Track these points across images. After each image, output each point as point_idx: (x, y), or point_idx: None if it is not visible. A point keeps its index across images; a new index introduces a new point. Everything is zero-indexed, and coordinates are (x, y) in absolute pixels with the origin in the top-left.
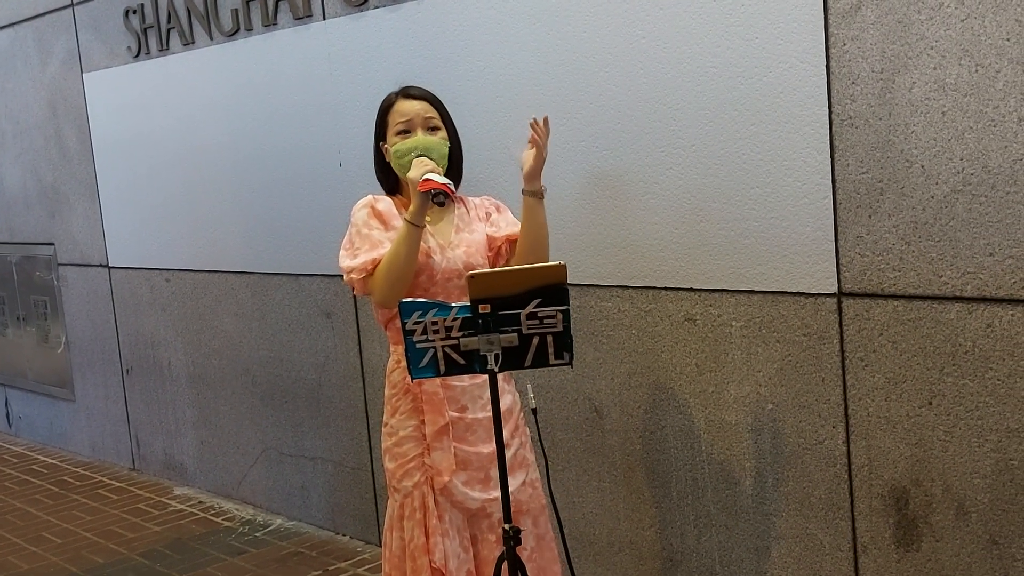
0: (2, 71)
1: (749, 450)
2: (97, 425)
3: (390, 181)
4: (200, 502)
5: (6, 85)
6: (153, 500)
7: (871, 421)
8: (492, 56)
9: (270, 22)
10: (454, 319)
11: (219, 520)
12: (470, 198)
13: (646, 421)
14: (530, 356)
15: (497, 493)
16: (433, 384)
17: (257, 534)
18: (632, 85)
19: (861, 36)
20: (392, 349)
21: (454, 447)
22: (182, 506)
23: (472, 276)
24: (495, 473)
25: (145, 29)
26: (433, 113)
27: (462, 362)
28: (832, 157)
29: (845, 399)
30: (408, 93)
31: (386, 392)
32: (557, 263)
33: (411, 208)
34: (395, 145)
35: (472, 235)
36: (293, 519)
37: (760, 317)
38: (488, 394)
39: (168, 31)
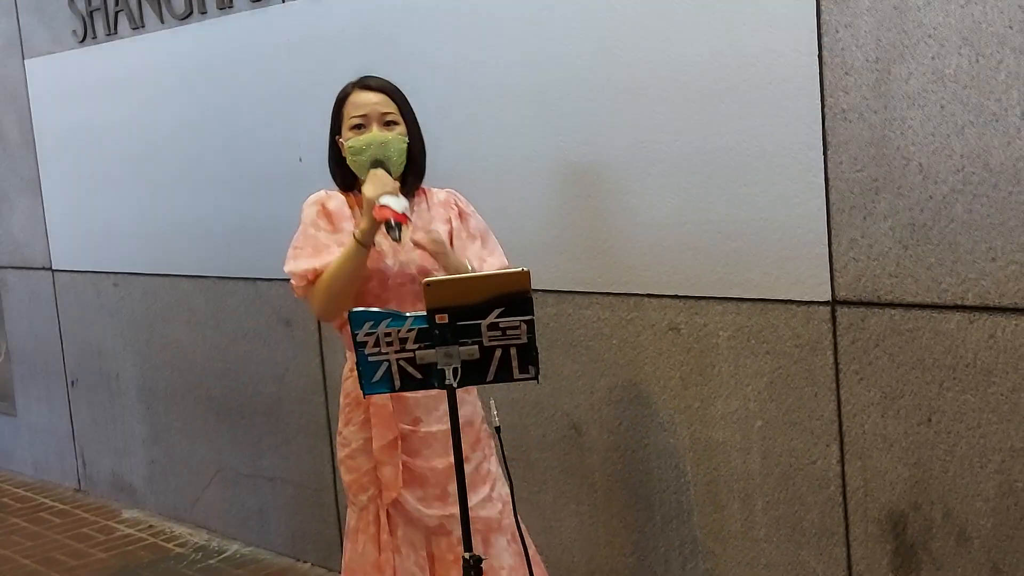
0: None
1: (737, 470)
2: (40, 442)
3: (345, 177)
4: (150, 526)
5: None
6: (99, 524)
7: (867, 439)
8: (460, 41)
9: (225, 5)
10: (409, 330)
11: (170, 546)
12: (433, 191)
13: (628, 439)
14: (492, 370)
15: (455, 509)
16: (383, 396)
17: (211, 561)
18: (610, 75)
19: (855, 23)
20: (347, 355)
21: (407, 462)
22: (130, 530)
23: (428, 284)
24: (454, 488)
25: (91, 12)
26: (391, 107)
27: (418, 376)
28: (825, 154)
29: (839, 415)
30: (365, 84)
31: (340, 400)
32: (520, 269)
33: (361, 226)
34: (350, 141)
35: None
36: (250, 545)
37: (749, 326)
38: (444, 406)
39: (116, 14)
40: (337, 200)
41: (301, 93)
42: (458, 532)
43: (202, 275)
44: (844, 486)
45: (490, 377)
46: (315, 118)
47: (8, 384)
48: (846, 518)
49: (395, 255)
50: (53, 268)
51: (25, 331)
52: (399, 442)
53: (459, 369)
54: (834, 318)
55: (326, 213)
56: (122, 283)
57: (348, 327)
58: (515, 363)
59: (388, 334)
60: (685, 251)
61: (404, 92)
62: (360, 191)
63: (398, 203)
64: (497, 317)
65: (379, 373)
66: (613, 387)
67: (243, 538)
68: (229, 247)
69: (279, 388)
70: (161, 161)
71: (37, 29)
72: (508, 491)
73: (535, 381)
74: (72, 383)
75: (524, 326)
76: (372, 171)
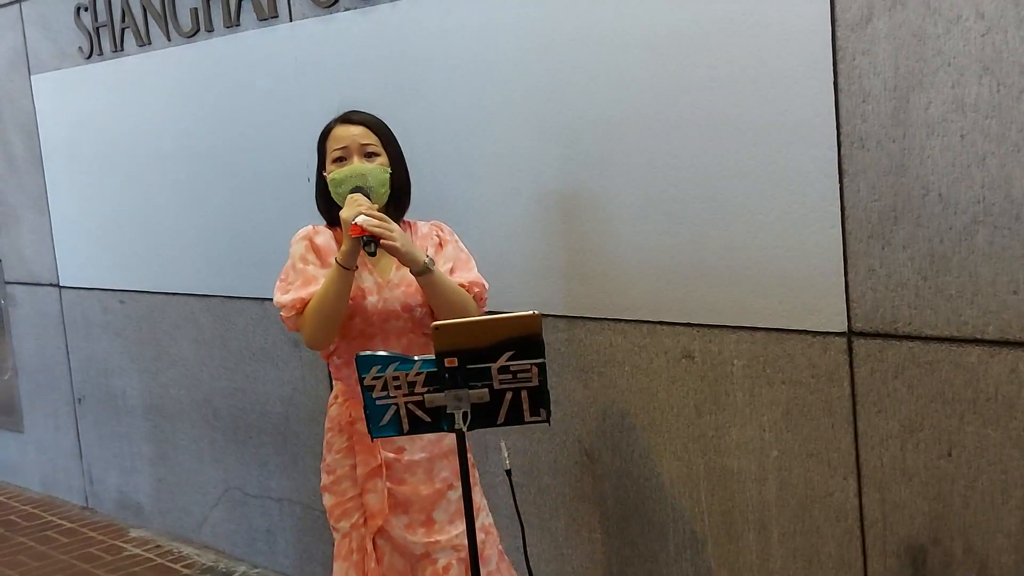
0: None
1: (753, 500)
2: (47, 459)
3: (331, 211)
4: (157, 546)
5: None
6: (106, 543)
7: (885, 472)
8: (469, 64)
9: (232, 23)
10: (417, 373)
11: (177, 567)
12: (419, 224)
13: (641, 466)
14: (503, 413)
15: (441, 536)
16: (364, 423)
17: None
18: (624, 99)
19: (872, 50)
20: (333, 383)
21: (391, 489)
22: (138, 550)
23: (437, 327)
24: (438, 515)
25: (98, 28)
26: (371, 139)
27: (427, 420)
28: (841, 182)
29: (856, 447)
30: (347, 118)
31: (325, 426)
32: (531, 312)
33: (342, 249)
34: (331, 173)
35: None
36: (258, 566)
37: (764, 356)
38: (429, 436)
39: (123, 31)
40: (325, 235)
41: (308, 112)
42: (443, 560)
43: (209, 294)
44: (862, 518)
45: (500, 420)
46: None
47: (15, 400)
48: (864, 551)
49: (379, 292)
50: (60, 285)
51: (32, 348)
52: (383, 469)
53: (468, 412)
54: (851, 349)
55: (314, 248)
56: (129, 301)
57: (333, 358)
58: (526, 406)
59: (396, 378)
60: (699, 278)
61: (408, 113)
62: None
63: (373, 222)
64: (507, 360)
65: (387, 416)
66: (626, 414)
67: (251, 559)
68: (236, 266)
69: (287, 408)
70: (168, 178)
71: (43, 45)
72: (491, 520)
73: (546, 424)
74: (79, 400)
75: (535, 369)
76: (350, 195)
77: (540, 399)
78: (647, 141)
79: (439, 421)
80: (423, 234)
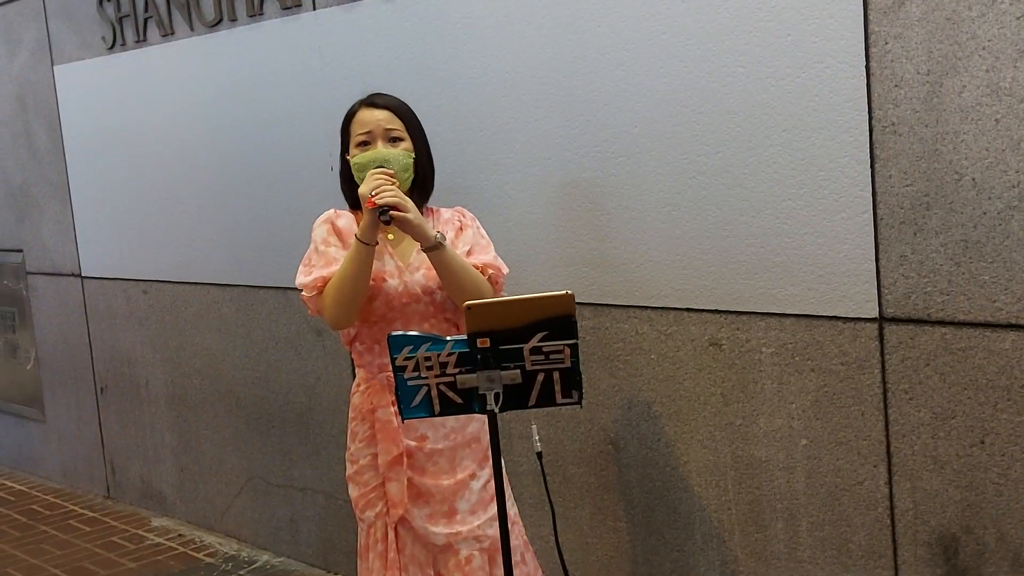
0: None
1: (781, 490)
2: (69, 449)
3: (354, 195)
4: (180, 535)
5: None
6: (129, 532)
7: (916, 460)
8: (496, 51)
9: (256, 12)
10: (449, 354)
11: (200, 555)
12: (442, 210)
13: (667, 455)
14: (534, 395)
15: (463, 527)
16: (387, 411)
17: (241, 571)
18: (650, 85)
19: (905, 34)
20: (356, 371)
21: (413, 479)
22: (160, 539)
23: (469, 307)
24: (460, 506)
25: (121, 18)
26: (396, 124)
27: (459, 401)
28: (872, 168)
29: (887, 436)
30: (372, 102)
31: (348, 415)
32: (564, 292)
33: (361, 224)
34: (355, 157)
35: None
36: (281, 555)
37: (793, 343)
38: (451, 423)
39: (146, 20)
40: (346, 218)
41: (332, 101)
42: (465, 551)
43: (232, 283)
44: (892, 508)
45: (532, 402)
46: None
47: (37, 390)
48: (894, 541)
49: (400, 275)
50: (82, 275)
51: (55, 338)
52: (404, 458)
53: (501, 394)
54: (882, 335)
55: (336, 230)
56: (152, 290)
57: (355, 344)
58: (558, 387)
59: (428, 358)
60: (727, 265)
61: (434, 101)
62: None
63: (391, 194)
64: (540, 341)
65: (418, 398)
66: (652, 402)
67: (274, 548)
68: (260, 256)
69: (309, 398)
70: (191, 168)
71: (66, 35)
72: (516, 511)
73: (578, 406)
74: (101, 390)
75: (568, 350)
76: (370, 172)
77: (572, 380)
78: (673, 130)
79: (470, 402)
80: (445, 219)
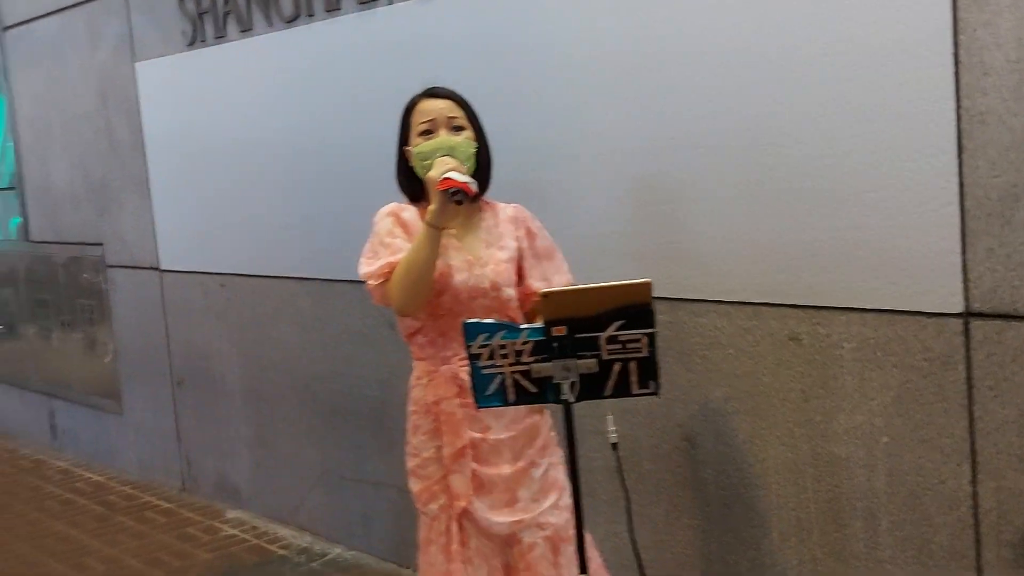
0: (50, 58)
1: (861, 488)
2: (146, 441)
3: (413, 187)
4: (254, 527)
5: (53, 73)
6: (204, 524)
7: (1001, 459)
8: (571, 43)
9: (333, 7)
10: (524, 342)
11: (273, 548)
12: (500, 205)
13: (744, 452)
14: (611, 385)
15: (525, 515)
16: (451, 403)
17: (314, 564)
18: (728, 75)
19: (994, 21)
20: (413, 364)
21: (476, 470)
22: (234, 531)
23: (546, 295)
24: (522, 493)
25: (201, 14)
26: (457, 113)
27: (534, 390)
28: (960, 158)
29: (972, 434)
30: (432, 93)
31: (407, 409)
32: (642, 280)
33: (430, 209)
34: (417, 146)
35: (502, 252)
36: (353, 549)
37: (875, 338)
38: (512, 412)
39: (225, 16)
40: (411, 211)
41: (407, 94)
42: (528, 539)
43: (308, 277)
44: (976, 508)
45: (608, 392)
46: None
47: (115, 383)
48: (978, 541)
49: (469, 269)
50: (161, 268)
51: (132, 331)
52: (468, 450)
53: (576, 383)
54: (967, 331)
55: (401, 223)
56: (229, 284)
57: (417, 337)
58: (634, 377)
59: (503, 346)
60: (806, 259)
61: (508, 94)
62: (427, 200)
63: (460, 176)
64: (617, 330)
65: (492, 386)
66: (729, 398)
67: (346, 542)
68: (336, 249)
69: (383, 392)
70: (268, 162)
71: (148, 31)
72: (570, 500)
73: (655, 396)
74: (178, 383)
75: (645, 339)
76: (438, 159)
77: (650, 370)
78: (754, 120)
79: (545, 392)
80: (509, 216)
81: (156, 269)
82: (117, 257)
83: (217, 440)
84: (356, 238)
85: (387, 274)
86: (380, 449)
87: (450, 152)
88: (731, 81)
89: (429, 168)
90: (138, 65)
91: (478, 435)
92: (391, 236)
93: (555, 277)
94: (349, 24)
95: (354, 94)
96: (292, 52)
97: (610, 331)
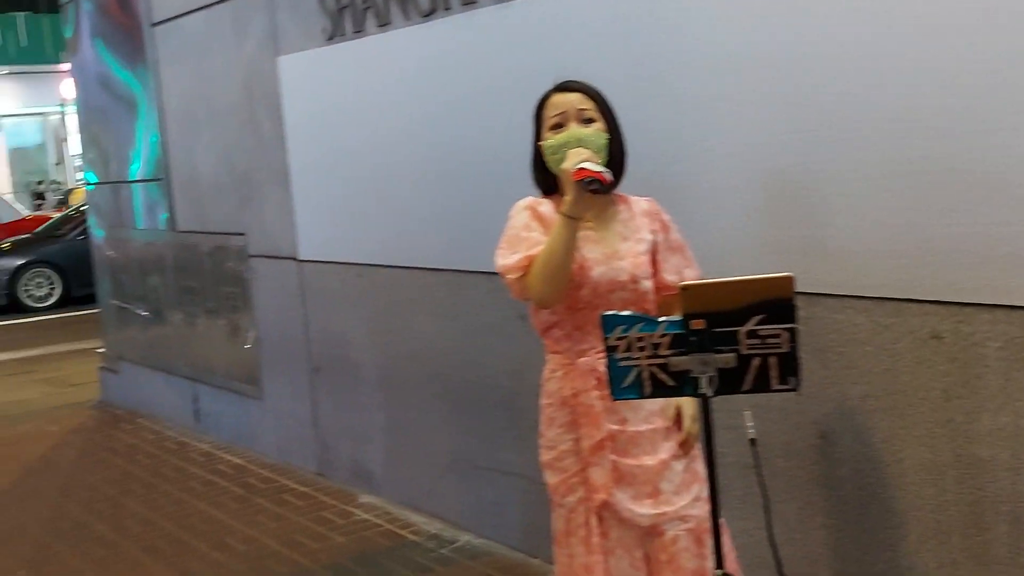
0: (197, 53)
1: (1005, 491)
2: (284, 426)
3: (547, 181)
4: (386, 512)
5: (201, 69)
6: (338, 508)
7: None
8: (705, 36)
9: (469, 0)
10: (662, 335)
11: (405, 533)
12: (633, 199)
13: (882, 451)
14: (749, 379)
15: (668, 508)
16: (589, 396)
17: (444, 551)
18: (867, 66)
19: None
20: (547, 357)
21: (615, 461)
22: (367, 516)
23: (685, 288)
24: (664, 486)
25: (341, 9)
26: (588, 104)
27: (671, 383)
28: None
29: None
30: (563, 86)
31: (541, 402)
32: (784, 275)
33: (566, 199)
34: (548, 140)
35: (639, 245)
36: (483, 537)
37: (1021, 337)
38: (649, 405)
39: (364, 11)
40: (547, 205)
41: (544, 87)
42: (671, 532)
43: (443, 268)
44: None
45: (746, 387)
46: None
47: (256, 369)
48: None
49: (607, 262)
50: (299, 258)
51: (273, 318)
52: (608, 442)
53: (714, 377)
54: None
55: (537, 216)
56: (366, 274)
57: (553, 331)
58: (774, 373)
59: (640, 339)
60: (950, 254)
61: (641, 86)
62: (561, 193)
63: (595, 166)
64: (757, 324)
65: (629, 378)
66: (866, 396)
67: (476, 530)
68: (469, 241)
69: (515, 382)
70: (404, 155)
71: (290, 27)
72: (707, 493)
73: (795, 392)
74: (315, 370)
75: (786, 334)
76: (571, 151)
77: (790, 366)
78: (896, 111)
79: (683, 385)
80: (643, 210)
81: (295, 259)
82: (259, 247)
83: (352, 426)
84: (490, 230)
85: (525, 267)
86: (511, 439)
87: (580, 143)
88: (870, 73)
89: (560, 161)
90: (280, 59)
91: (616, 427)
92: (527, 230)
93: (686, 271)
94: (486, 17)
95: (491, 86)
96: (429, 45)
97: (750, 325)
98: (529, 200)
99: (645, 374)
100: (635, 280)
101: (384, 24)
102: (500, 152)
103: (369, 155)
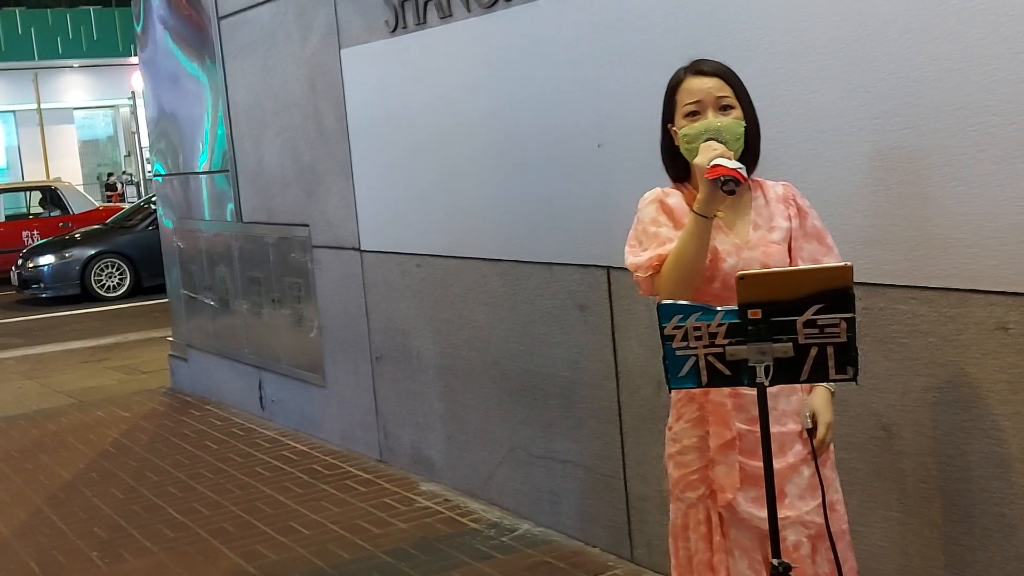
0: (263, 48)
1: None
2: (346, 413)
3: (677, 167)
4: (446, 499)
5: (267, 62)
6: (399, 495)
7: None
8: (772, 21)
9: None
10: (719, 325)
11: (465, 520)
12: (769, 184)
13: (945, 444)
14: (806, 370)
15: (791, 512)
16: (720, 393)
17: (503, 539)
18: (937, 52)
19: None
20: None
21: (741, 462)
22: (428, 503)
23: (742, 277)
24: (790, 490)
25: (403, 2)
26: (726, 91)
27: (727, 373)
28: None
29: None
30: (699, 69)
31: (672, 395)
32: (843, 264)
33: (699, 197)
34: (683, 129)
35: (773, 233)
36: (541, 525)
37: None
38: (783, 405)
39: (426, 4)
40: (675, 196)
41: (603, 78)
42: (793, 537)
43: (500, 258)
44: None
45: (804, 376)
46: (617, 104)
47: (320, 357)
48: None
49: (738, 253)
50: (361, 249)
51: (335, 308)
52: (736, 441)
53: (771, 367)
54: None
55: (666, 209)
56: (425, 264)
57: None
58: (831, 363)
59: (697, 328)
60: (1018, 244)
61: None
62: (693, 183)
63: (730, 163)
64: (815, 314)
65: (686, 368)
66: (929, 388)
67: (534, 518)
68: (526, 231)
69: (572, 372)
70: (464, 146)
71: (353, 20)
72: (839, 498)
73: (853, 382)
74: (377, 359)
75: (844, 324)
76: (703, 144)
77: (848, 356)
78: (961, 99)
79: (740, 375)
80: (779, 195)
81: (357, 249)
82: (322, 237)
83: (412, 414)
84: (545, 220)
85: (656, 266)
86: (568, 428)
87: (716, 135)
88: (940, 59)
89: (694, 152)
90: (343, 52)
91: (745, 427)
92: (656, 225)
93: (824, 260)
94: (548, 8)
95: (551, 78)
96: (491, 37)
97: (808, 315)
98: (657, 192)
99: (702, 363)
100: (767, 268)
101: (446, 16)
102: (560, 144)
103: (429, 147)
